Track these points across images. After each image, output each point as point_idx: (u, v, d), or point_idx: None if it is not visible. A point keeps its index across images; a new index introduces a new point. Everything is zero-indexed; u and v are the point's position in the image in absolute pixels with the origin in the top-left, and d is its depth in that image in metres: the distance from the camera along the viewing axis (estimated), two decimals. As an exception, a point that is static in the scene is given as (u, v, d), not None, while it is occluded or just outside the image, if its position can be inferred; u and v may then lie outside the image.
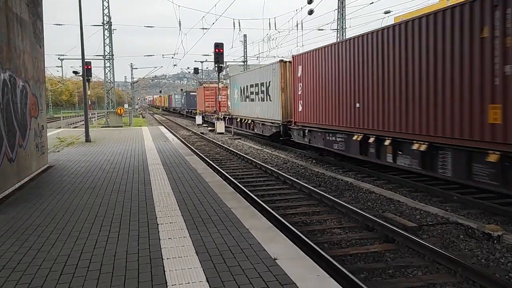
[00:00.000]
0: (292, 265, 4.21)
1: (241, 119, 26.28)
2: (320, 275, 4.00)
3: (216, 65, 28.01)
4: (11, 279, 4.05)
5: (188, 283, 3.87)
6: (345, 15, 32.60)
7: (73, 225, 5.76)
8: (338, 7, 33.57)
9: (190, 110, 52.72)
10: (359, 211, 7.89)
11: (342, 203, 8.54)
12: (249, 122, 24.24)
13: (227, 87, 36.95)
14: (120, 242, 5.02)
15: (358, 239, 6.94)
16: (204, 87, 42.64)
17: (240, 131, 28.44)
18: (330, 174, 12.61)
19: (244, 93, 25.53)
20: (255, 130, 23.34)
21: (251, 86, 23.64)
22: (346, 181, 11.50)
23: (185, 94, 57.77)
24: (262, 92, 21.53)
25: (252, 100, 23.57)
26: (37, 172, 10.00)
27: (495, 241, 6.56)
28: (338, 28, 32.34)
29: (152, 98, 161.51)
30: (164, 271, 4.14)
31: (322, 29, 38.41)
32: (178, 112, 67.02)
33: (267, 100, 20.79)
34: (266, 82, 20.79)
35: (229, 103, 33.26)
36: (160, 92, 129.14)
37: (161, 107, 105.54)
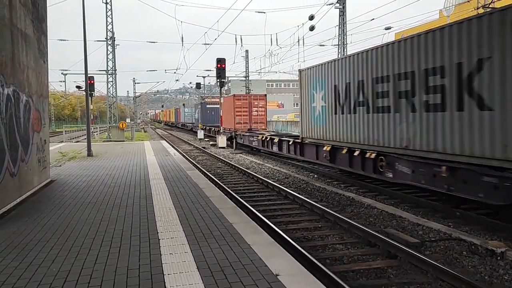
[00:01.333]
0: (294, 281, 4.19)
1: (336, 148, 13.87)
2: (322, 292, 3.97)
3: (218, 80, 28.16)
4: (11, 295, 4.03)
5: (189, 299, 3.84)
6: (346, 31, 32.87)
7: (74, 240, 5.74)
8: (339, 23, 33.88)
9: (207, 127, 40.25)
10: (361, 226, 7.85)
11: (344, 218, 8.50)
12: (371, 156, 11.79)
13: (265, 95, 30.13)
14: (121, 258, 5.00)
15: (360, 255, 6.89)
16: (235, 95, 29.99)
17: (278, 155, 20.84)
18: (331, 189, 12.57)
19: (350, 95, 12.89)
20: (393, 177, 11.05)
21: (381, 80, 11.19)
22: (347, 196, 11.46)
23: (200, 106, 46.13)
24: (439, 89, 9.13)
25: (385, 110, 11.11)
26: (38, 186, 10.01)
27: (499, 258, 6.50)
28: (339, 43, 32.59)
29: (154, 113, 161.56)
30: (165, 287, 4.11)
31: (323, 45, 38.76)
32: (190, 129, 53.22)
33: (456, 110, 8.69)
34: (461, 63, 8.46)
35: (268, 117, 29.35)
36: (162, 106, 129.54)
37: (166, 122, 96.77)
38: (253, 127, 27.57)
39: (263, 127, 27.98)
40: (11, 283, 4.31)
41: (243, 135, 25.85)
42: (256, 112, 27.40)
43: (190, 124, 53.94)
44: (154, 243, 5.54)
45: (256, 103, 28.16)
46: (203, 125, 40.13)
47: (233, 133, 27.56)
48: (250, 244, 5.38)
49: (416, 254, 6.29)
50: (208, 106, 43.96)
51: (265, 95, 30.20)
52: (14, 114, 8.27)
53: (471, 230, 8.22)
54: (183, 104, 74.73)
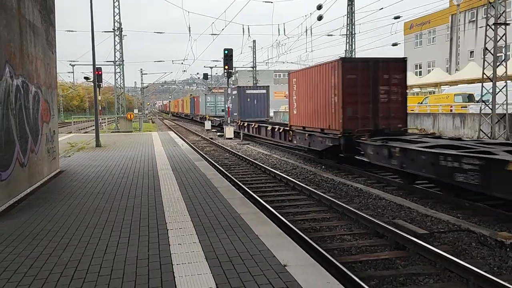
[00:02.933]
0: (302, 271, 4.19)
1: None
2: (330, 282, 3.97)
3: (225, 70, 28.11)
4: (22, 284, 4.08)
5: (198, 289, 3.87)
6: (354, 21, 32.60)
7: (83, 230, 5.80)
8: (347, 12, 33.57)
9: (246, 123, 27.96)
10: (369, 217, 7.83)
11: (352, 209, 8.49)
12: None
13: (403, 59, 14.70)
14: (130, 248, 5.04)
15: (368, 246, 6.88)
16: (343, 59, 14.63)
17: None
18: (339, 180, 12.55)
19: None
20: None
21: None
22: (356, 187, 11.44)
23: (236, 93, 31.11)
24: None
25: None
26: (48, 177, 10.10)
27: (508, 249, 6.47)
28: (348, 33, 32.34)
29: (162, 103, 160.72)
30: (174, 277, 4.14)
31: (332, 35, 38.49)
32: (218, 125, 37.71)
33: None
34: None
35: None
36: (170, 97, 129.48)
37: (177, 114, 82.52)
38: (382, 125, 14.28)
39: (401, 124, 14.45)
40: (23, 272, 4.37)
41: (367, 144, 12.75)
42: (386, 96, 14.20)
43: (218, 119, 39.32)
44: (162, 233, 5.57)
45: (386, 76, 14.13)
46: (242, 120, 29.19)
47: (341, 139, 13.97)
48: (258, 235, 5.39)
49: (425, 245, 6.27)
50: (248, 91, 30.34)
51: (404, 59, 14.66)
52: (23, 105, 8.32)
53: (480, 221, 8.17)
54: (210, 89, 64.96)
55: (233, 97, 32.07)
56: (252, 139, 27.50)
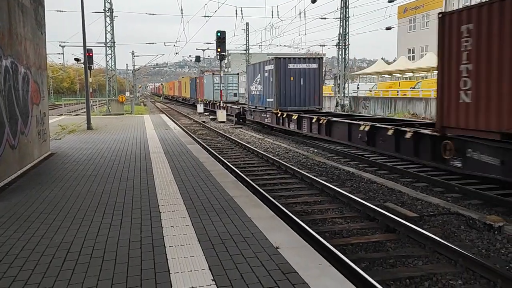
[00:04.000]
0: (294, 254, 4.23)
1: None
2: (322, 264, 4.02)
3: (218, 53, 27.85)
4: (14, 266, 4.08)
5: (191, 270, 3.89)
6: (348, 4, 32.29)
7: (75, 213, 5.78)
8: (341, -5, 33.22)
9: (287, 114, 19.41)
10: (360, 200, 7.90)
11: (343, 192, 8.55)
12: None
13: None
14: (122, 230, 5.04)
15: (359, 229, 6.96)
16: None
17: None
18: (331, 163, 12.61)
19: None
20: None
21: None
22: (347, 171, 11.51)
23: (271, 68, 20.74)
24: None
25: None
26: (39, 159, 10.02)
27: (496, 232, 6.57)
28: (341, 17, 32.07)
29: (154, 86, 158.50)
30: (167, 259, 4.16)
31: (325, 18, 38.11)
32: (240, 118, 27.18)
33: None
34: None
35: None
36: (162, 80, 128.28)
37: (174, 97, 72.98)
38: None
39: None
40: (14, 254, 4.36)
41: None
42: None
43: (235, 107, 29.39)
44: (155, 216, 5.58)
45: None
46: (280, 109, 20.19)
47: None
48: (251, 217, 5.42)
49: (415, 228, 6.36)
50: (291, 65, 20.07)
51: None
52: (12, 86, 8.20)
53: (469, 204, 8.29)
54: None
55: (266, 74, 21.49)
56: (251, 125, 27.34)
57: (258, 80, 23.06)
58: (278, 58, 20.30)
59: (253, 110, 24.31)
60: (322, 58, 22.41)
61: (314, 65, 20.52)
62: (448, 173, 10.55)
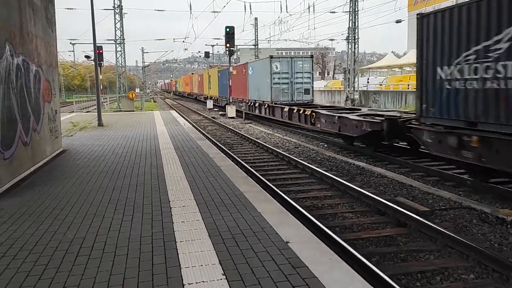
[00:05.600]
0: (304, 248, 4.24)
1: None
2: (332, 259, 4.02)
3: (227, 48, 27.84)
4: (28, 261, 4.15)
5: (202, 265, 3.92)
6: (357, -3, 31.99)
7: (87, 208, 5.85)
8: (350, -11, 32.96)
9: None
10: (371, 195, 7.87)
11: (354, 187, 8.53)
12: None
13: None
14: (134, 225, 5.09)
15: (370, 223, 6.94)
16: None
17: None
18: (341, 158, 12.57)
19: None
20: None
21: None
22: (358, 165, 11.46)
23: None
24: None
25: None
26: (51, 156, 10.14)
27: (509, 226, 6.51)
28: (351, 10, 31.83)
29: (165, 82, 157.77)
30: (178, 254, 4.19)
31: (335, 12, 37.85)
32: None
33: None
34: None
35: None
36: (171, 76, 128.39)
37: (192, 95, 60.99)
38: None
39: None
40: (28, 249, 4.43)
41: None
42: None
43: (329, 117, 15.17)
44: (166, 211, 5.62)
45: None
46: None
47: None
48: (261, 212, 5.43)
49: (426, 222, 6.32)
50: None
51: None
52: (24, 84, 8.29)
53: (481, 198, 8.21)
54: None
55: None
56: (254, 118, 27.26)
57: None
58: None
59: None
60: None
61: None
62: (459, 167, 10.44)
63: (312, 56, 24.02)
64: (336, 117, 14.46)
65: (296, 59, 22.78)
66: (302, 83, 22.72)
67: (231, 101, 30.95)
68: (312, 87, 23.41)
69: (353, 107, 24.44)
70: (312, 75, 23.35)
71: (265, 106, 23.59)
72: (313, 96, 23.60)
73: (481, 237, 6.22)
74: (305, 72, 22.68)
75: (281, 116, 21.02)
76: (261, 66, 24.33)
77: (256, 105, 25.77)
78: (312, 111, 16.82)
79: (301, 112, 18.11)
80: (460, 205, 7.66)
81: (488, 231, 6.45)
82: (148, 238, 4.65)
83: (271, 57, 22.95)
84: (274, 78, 22.57)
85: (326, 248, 4.31)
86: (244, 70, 28.60)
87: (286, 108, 20.24)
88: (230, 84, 30.84)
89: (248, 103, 27.79)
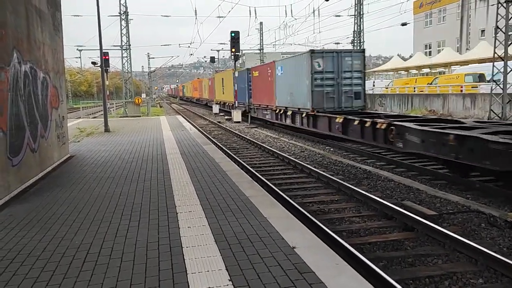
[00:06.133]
0: (311, 253, 4.22)
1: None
2: (339, 264, 4.00)
3: (232, 53, 27.93)
4: (35, 267, 4.17)
5: (208, 271, 3.92)
6: (362, 1, 32.08)
7: (94, 214, 5.87)
8: (355, -8, 33.03)
9: None
10: (377, 199, 7.83)
11: (360, 191, 8.49)
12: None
13: None
14: (140, 231, 5.10)
15: (376, 228, 6.90)
16: None
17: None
18: (348, 162, 12.53)
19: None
20: None
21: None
22: (364, 169, 11.42)
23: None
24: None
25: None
26: (58, 162, 10.20)
27: (518, 230, 6.43)
28: (356, 14, 31.88)
29: (171, 87, 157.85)
30: (184, 259, 4.20)
31: (339, 15, 37.93)
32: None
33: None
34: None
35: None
36: (177, 81, 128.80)
37: (201, 100, 57.36)
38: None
39: None
40: (36, 255, 4.46)
41: None
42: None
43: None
44: (172, 216, 5.63)
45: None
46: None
47: None
48: (267, 217, 5.43)
49: (434, 226, 6.27)
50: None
51: None
52: (32, 91, 8.37)
53: (490, 202, 8.14)
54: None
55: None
56: (257, 122, 27.25)
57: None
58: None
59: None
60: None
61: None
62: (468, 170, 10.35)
63: (363, 50, 18.93)
64: (452, 136, 8.96)
65: (344, 54, 18.04)
66: (351, 84, 18.14)
67: (251, 107, 26.96)
68: (364, 89, 18.65)
69: (445, 118, 16.91)
70: (364, 75, 18.66)
71: (303, 115, 18.60)
72: (365, 102, 18.83)
73: (490, 241, 6.16)
74: (355, 71, 18.11)
75: (329, 128, 16.07)
76: (297, 64, 19.22)
77: (288, 113, 20.43)
78: (390, 124, 11.73)
79: (367, 125, 12.90)
80: (468, 208, 7.60)
81: (497, 235, 6.39)
82: (155, 244, 4.65)
83: (312, 51, 17.91)
84: (316, 79, 17.71)
85: (333, 253, 4.29)
86: (269, 71, 23.13)
87: (339, 119, 14.93)
88: (250, 88, 26.96)
89: (275, 110, 22.43)
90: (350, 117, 14.47)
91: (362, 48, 17.98)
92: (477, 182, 9.17)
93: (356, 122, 13.72)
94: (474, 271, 5.21)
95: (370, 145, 14.92)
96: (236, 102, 30.68)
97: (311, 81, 17.62)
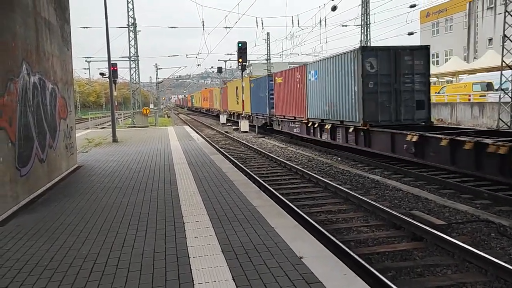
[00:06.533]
0: (318, 263, 4.19)
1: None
2: (347, 274, 3.96)
3: (239, 64, 28.07)
4: (43, 277, 4.17)
5: (215, 281, 3.90)
6: (369, 11, 32.18)
7: (101, 224, 5.89)
8: (362, 2, 33.14)
9: None
10: (386, 209, 7.77)
11: (368, 201, 8.44)
12: None
13: None
14: (147, 241, 5.10)
15: (385, 237, 6.83)
16: None
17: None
18: (356, 171, 12.47)
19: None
20: None
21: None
22: (372, 178, 11.35)
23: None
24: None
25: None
26: (67, 172, 10.26)
27: (529, 240, 6.34)
28: (362, 24, 31.95)
29: (179, 98, 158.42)
30: (191, 270, 4.18)
31: (346, 25, 38.00)
32: None
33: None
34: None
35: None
36: (185, 91, 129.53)
37: (213, 112, 52.75)
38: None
39: None
40: (43, 265, 4.47)
41: None
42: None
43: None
44: (179, 226, 5.62)
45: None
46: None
47: None
48: (274, 227, 5.40)
49: (443, 236, 6.20)
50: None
51: None
52: (41, 101, 8.46)
53: (499, 211, 8.04)
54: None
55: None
56: (273, 134, 27.26)
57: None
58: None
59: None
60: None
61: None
62: (476, 179, 10.26)
63: (428, 47, 14.84)
64: None
65: (402, 51, 14.14)
66: (412, 90, 14.27)
67: (273, 119, 23.52)
68: (429, 97, 14.72)
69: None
70: (429, 78, 14.66)
71: (349, 130, 14.84)
72: (430, 113, 14.69)
73: (500, 251, 6.08)
74: (416, 74, 14.29)
75: (392, 148, 12.64)
76: (339, 66, 15.28)
77: (326, 127, 16.64)
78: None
79: (466, 147, 9.48)
80: (477, 218, 7.51)
81: (507, 244, 6.30)
82: (162, 254, 4.65)
83: (363, 48, 14.57)
84: (368, 83, 13.84)
85: (341, 263, 4.25)
86: (298, 76, 19.52)
87: (411, 137, 11.36)
88: (272, 97, 23.52)
89: (306, 123, 18.76)
90: (429, 134, 11.07)
91: (426, 44, 14.08)
92: (485, 191, 9.07)
93: (443, 142, 10.09)
94: (484, 282, 5.13)
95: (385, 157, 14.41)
96: (275, 115, 23.73)
97: (361, 86, 13.78)
